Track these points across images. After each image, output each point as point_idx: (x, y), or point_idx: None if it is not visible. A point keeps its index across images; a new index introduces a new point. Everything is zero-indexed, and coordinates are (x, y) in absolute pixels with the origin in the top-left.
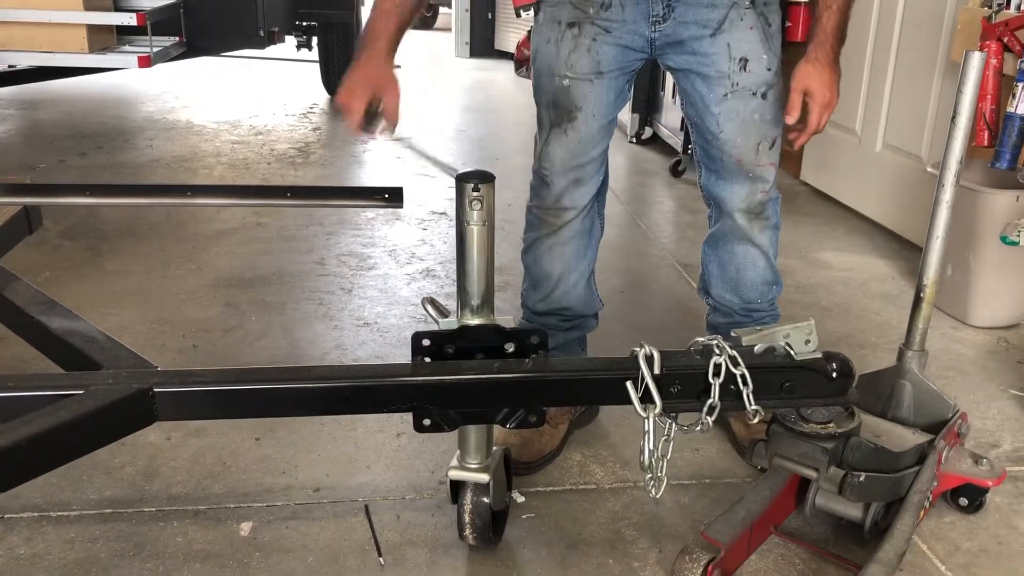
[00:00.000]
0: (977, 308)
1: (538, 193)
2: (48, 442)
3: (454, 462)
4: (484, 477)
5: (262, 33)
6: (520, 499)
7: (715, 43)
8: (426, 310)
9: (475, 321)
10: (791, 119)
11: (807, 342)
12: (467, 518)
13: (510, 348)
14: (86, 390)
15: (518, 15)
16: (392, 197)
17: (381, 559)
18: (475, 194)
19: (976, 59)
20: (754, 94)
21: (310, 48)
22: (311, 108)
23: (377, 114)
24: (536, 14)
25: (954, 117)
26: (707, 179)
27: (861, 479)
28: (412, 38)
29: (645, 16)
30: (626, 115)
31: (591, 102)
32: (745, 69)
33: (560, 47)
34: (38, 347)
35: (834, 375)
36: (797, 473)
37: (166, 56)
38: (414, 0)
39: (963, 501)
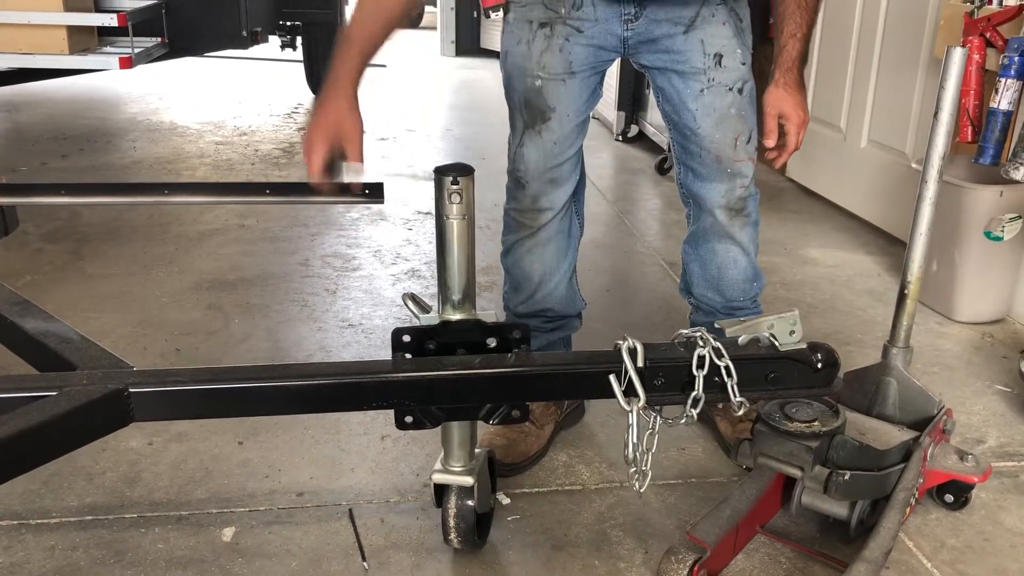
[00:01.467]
0: (962, 303)
1: (514, 195)
2: (22, 444)
3: (438, 465)
4: (468, 480)
5: (245, 33)
6: (505, 501)
7: (688, 40)
8: (407, 306)
9: (456, 316)
10: (770, 142)
11: (791, 332)
12: (452, 521)
13: (492, 343)
14: (60, 391)
15: (487, 16)
16: (373, 192)
17: (365, 563)
18: (454, 187)
19: (958, 55)
20: (730, 89)
21: (294, 48)
22: (296, 108)
23: (340, 160)
24: (505, 15)
25: (936, 113)
26: (686, 177)
27: (846, 477)
28: (398, 37)
29: (617, 15)
30: (612, 113)
31: (564, 102)
32: (720, 64)
33: (532, 47)
34: (13, 349)
35: (819, 365)
36: (782, 472)
37: (148, 57)
38: (380, 30)
39: (949, 498)
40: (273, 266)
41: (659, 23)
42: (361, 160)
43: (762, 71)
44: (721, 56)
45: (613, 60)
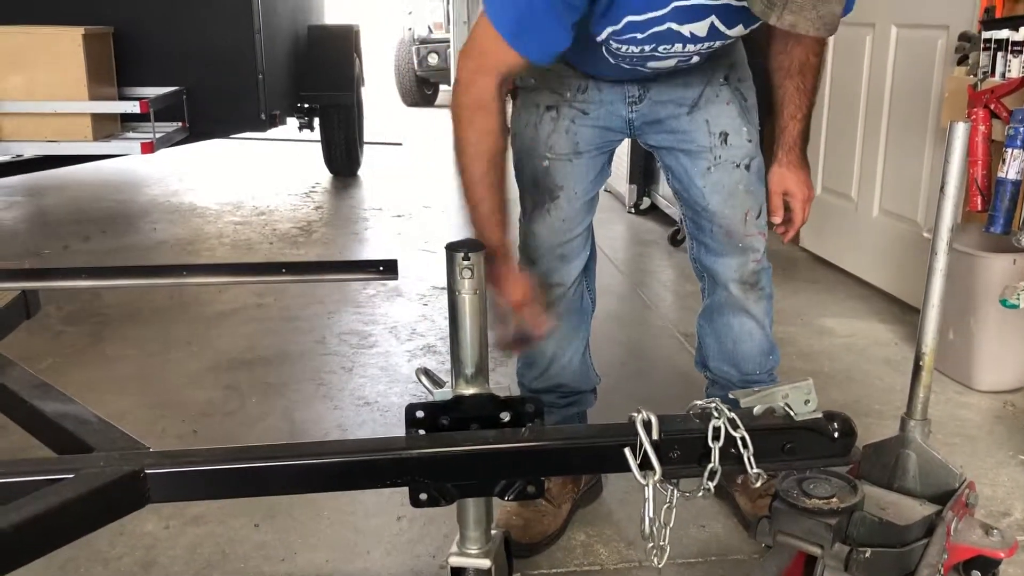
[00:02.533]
0: (981, 372)
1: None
2: (38, 527)
3: (454, 547)
4: (485, 563)
5: (264, 116)
6: None
7: (693, 120)
8: (420, 381)
9: (470, 391)
10: (776, 219)
11: (807, 402)
12: None
13: (505, 417)
14: (77, 473)
15: None
16: (387, 269)
17: None
18: (465, 263)
19: (960, 130)
20: (737, 166)
21: (312, 129)
22: (313, 187)
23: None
24: (514, 100)
25: (943, 187)
26: (699, 252)
27: (867, 555)
28: (415, 116)
29: (621, 98)
30: (624, 186)
31: (571, 181)
32: (726, 143)
33: (539, 129)
34: (32, 432)
35: (836, 435)
36: (802, 550)
37: (169, 141)
38: (501, 193)
39: (975, 574)
40: (290, 345)
41: (663, 104)
42: (542, 324)
43: (768, 146)
44: (727, 134)
45: (620, 140)
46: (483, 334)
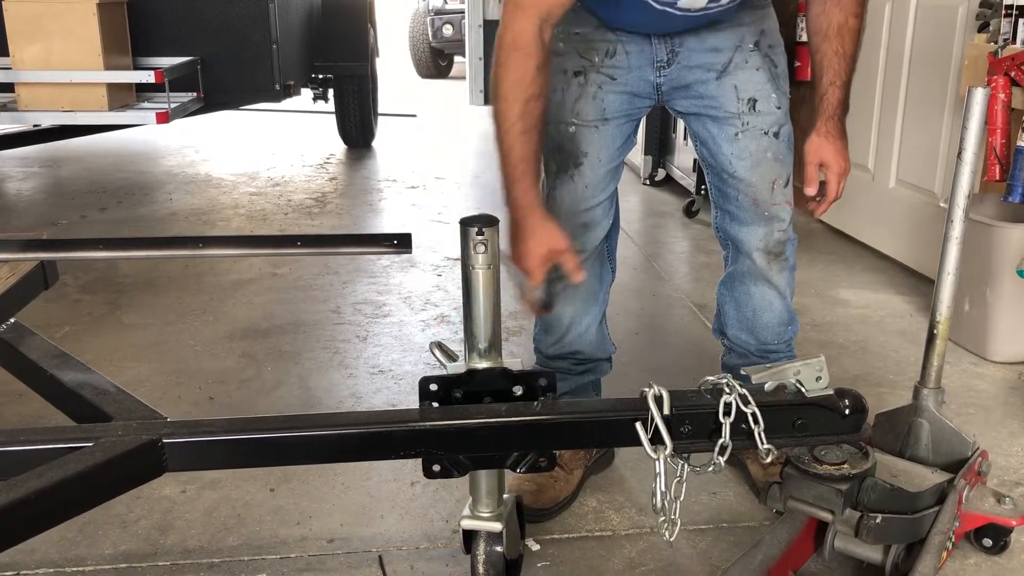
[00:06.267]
0: (996, 343)
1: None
2: (58, 495)
3: (466, 511)
4: (497, 526)
5: (278, 87)
6: (535, 547)
7: (721, 85)
8: (434, 354)
9: (483, 365)
10: (810, 191)
11: (818, 379)
12: (481, 568)
13: (518, 391)
14: (96, 442)
15: None
16: (401, 243)
17: None
18: (479, 238)
19: (980, 95)
20: (765, 133)
21: (326, 100)
22: (328, 159)
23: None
24: None
25: (960, 153)
26: (723, 220)
27: (877, 521)
28: (428, 87)
29: (650, 62)
30: (639, 157)
31: (597, 147)
32: (754, 109)
33: (566, 95)
34: (51, 400)
35: (847, 412)
36: (812, 516)
37: (184, 111)
38: (535, 143)
39: (987, 542)
40: (305, 314)
41: (692, 69)
42: (580, 272)
43: (792, 115)
44: (756, 101)
45: (648, 107)
46: (496, 308)
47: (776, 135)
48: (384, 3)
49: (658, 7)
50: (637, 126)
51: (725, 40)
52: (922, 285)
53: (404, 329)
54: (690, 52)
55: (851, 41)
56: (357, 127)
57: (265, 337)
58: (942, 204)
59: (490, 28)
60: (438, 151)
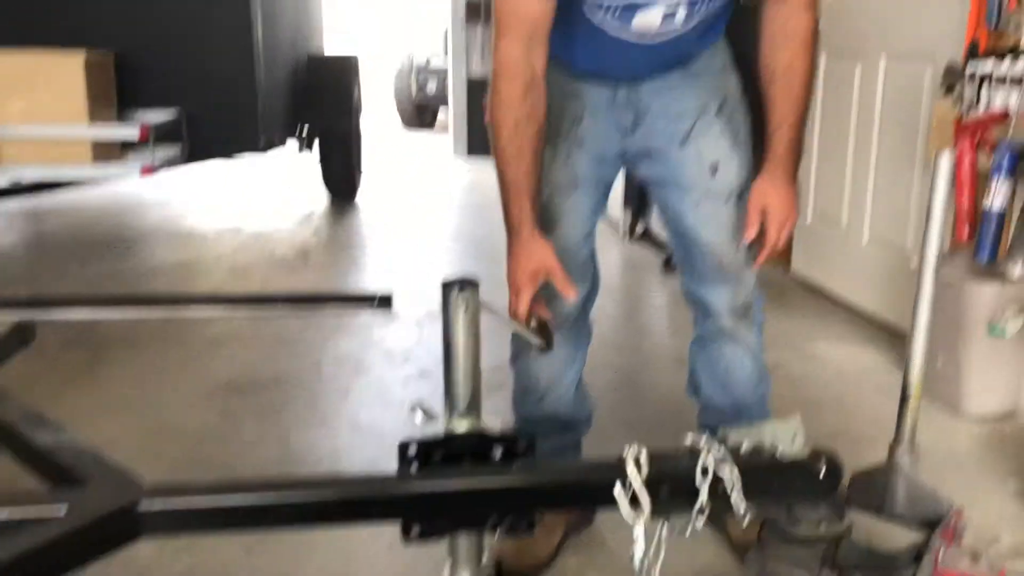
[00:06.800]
0: (970, 399)
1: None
2: (28, 564)
3: (445, 573)
4: None
5: (262, 140)
6: None
7: (684, 153)
8: (414, 415)
9: (462, 426)
10: (749, 235)
11: (794, 439)
12: None
13: (498, 453)
14: (68, 507)
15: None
16: (382, 303)
17: None
18: (460, 298)
19: (946, 160)
20: (728, 199)
21: (311, 149)
22: (312, 211)
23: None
24: None
25: (928, 216)
26: (689, 283)
27: None
28: (411, 139)
29: (616, 127)
30: (619, 211)
31: (570, 213)
32: (716, 175)
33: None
34: (24, 463)
35: (823, 473)
36: None
37: (169, 165)
38: (532, 163)
39: None
40: (286, 369)
41: (655, 135)
42: (571, 288)
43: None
44: (718, 167)
45: (616, 171)
46: (476, 369)
47: (738, 199)
48: (373, 58)
49: (612, 34)
50: (607, 191)
51: (688, 106)
52: (896, 339)
53: (385, 385)
54: (654, 118)
55: (798, 83)
56: (341, 181)
57: (246, 393)
58: (915, 260)
59: (473, 86)
60: (422, 203)
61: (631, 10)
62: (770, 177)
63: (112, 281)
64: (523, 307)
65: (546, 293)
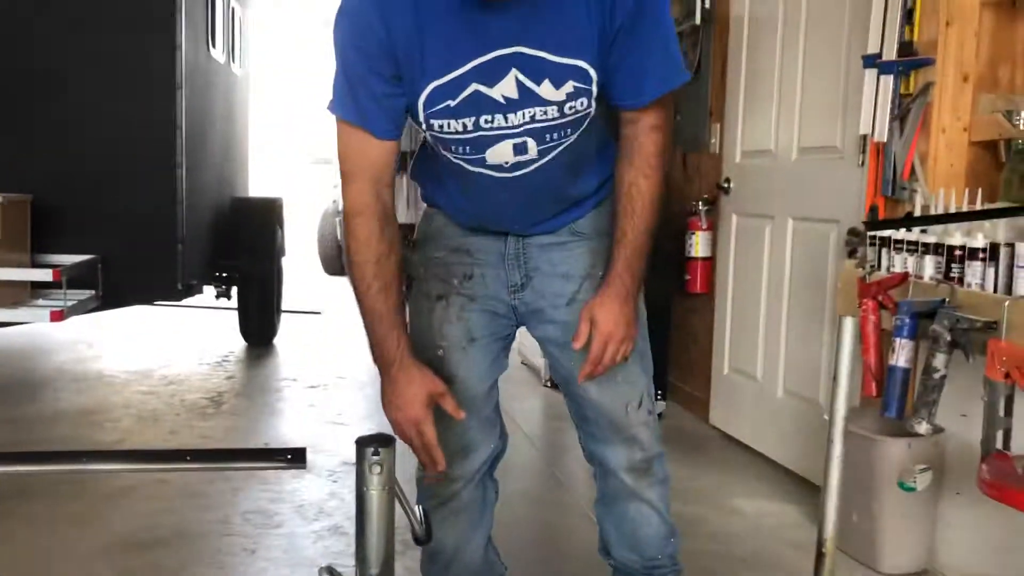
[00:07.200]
0: (885, 554)
1: (423, 463)
2: None
3: None
4: None
5: (180, 286)
6: None
7: (571, 312)
8: None
9: None
10: (575, 346)
11: None
12: None
13: None
14: None
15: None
16: (295, 458)
17: None
18: (375, 458)
19: (848, 326)
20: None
21: (228, 297)
22: (226, 356)
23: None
24: (409, 290)
25: (835, 378)
26: (586, 440)
27: None
28: (335, 284)
29: (504, 285)
30: (539, 359)
31: (466, 369)
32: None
33: (432, 319)
34: None
35: None
36: None
37: (81, 309)
38: (397, 296)
39: None
40: (191, 524)
41: (543, 295)
42: (460, 410)
43: (684, 325)
44: None
45: (512, 328)
46: (390, 531)
47: (625, 358)
48: (295, 202)
49: (473, 169)
50: (507, 345)
51: (576, 267)
52: (812, 493)
53: (295, 541)
54: (543, 277)
55: (641, 203)
56: (259, 325)
57: (146, 551)
58: (826, 417)
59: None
60: (340, 349)
61: (481, 143)
62: (603, 292)
63: (11, 427)
64: (430, 434)
65: (447, 451)
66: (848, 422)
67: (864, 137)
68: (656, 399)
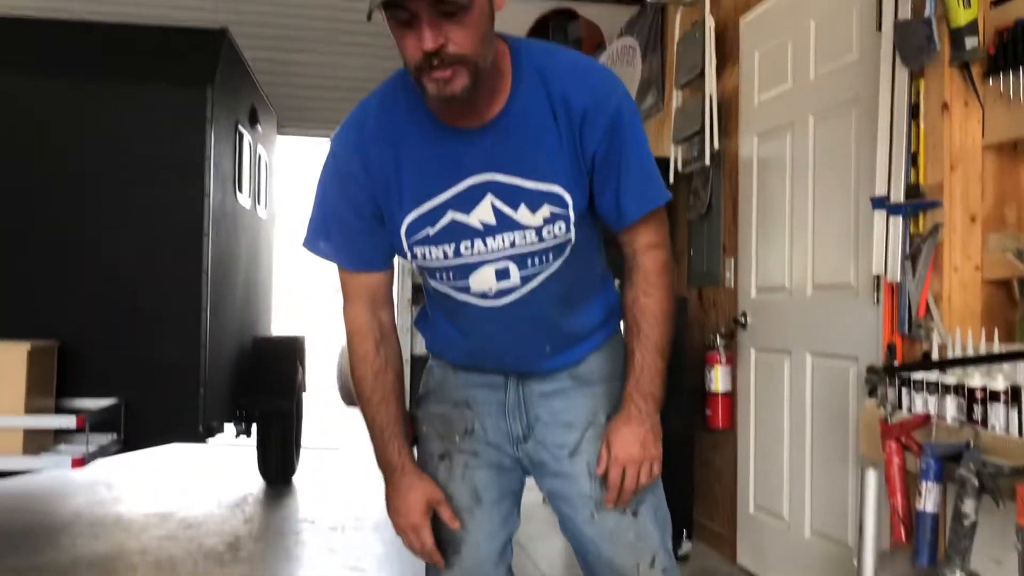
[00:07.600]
0: None
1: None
2: None
3: None
4: None
5: (201, 428)
6: None
7: (574, 463)
8: None
9: None
10: (599, 472)
11: None
12: None
13: None
14: None
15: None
16: None
17: None
18: None
19: (872, 477)
20: (623, 512)
21: (248, 435)
22: (244, 498)
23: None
24: (416, 446)
25: (861, 530)
26: None
27: None
28: (354, 417)
29: (507, 437)
30: None
31: (474, 532)
32: (607, 487)
33: (437, 479)
34: None
35: None
36: None
37: (102, 455)
38: (398, 408)
39: None
40: None
41: (546, 446)
42: (456, 520)
43: (709, 461)
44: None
45: (521, 481)
46: None
47: (635, 513)
48: (318, 337)
49: (459, 299)
50: (517, 501)
51: (577, 416)
52: None
53: None
54: (544, 427)
55: (645, 321)
56: (278, 463)
57: None
58: (855, 562)
59: (416, 362)
60: (359, 486)
61: (464, 270)
62: (617, 417)
63: None
64: (429, 540)
65: None
66: (879, 570)
67: (877, 277)
68: (682, 538)
